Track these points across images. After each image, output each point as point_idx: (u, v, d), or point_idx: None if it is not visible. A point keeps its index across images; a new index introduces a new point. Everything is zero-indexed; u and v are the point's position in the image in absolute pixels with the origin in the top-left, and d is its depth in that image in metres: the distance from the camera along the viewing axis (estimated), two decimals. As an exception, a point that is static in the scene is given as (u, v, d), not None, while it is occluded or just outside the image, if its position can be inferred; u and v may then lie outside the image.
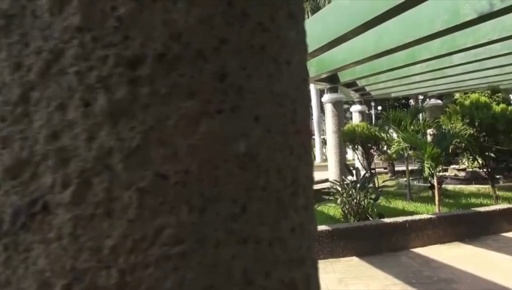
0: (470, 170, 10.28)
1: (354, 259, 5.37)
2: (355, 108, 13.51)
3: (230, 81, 0.37)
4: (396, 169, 13.72)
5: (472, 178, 10.05)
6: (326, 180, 10.23)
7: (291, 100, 0.43)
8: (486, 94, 10.56)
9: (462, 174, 10.60)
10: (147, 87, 0.33)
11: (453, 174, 10.86)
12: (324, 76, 9.65)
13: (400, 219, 5.84)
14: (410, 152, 7.73)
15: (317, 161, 23.50)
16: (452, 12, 5.48)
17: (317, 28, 6.42)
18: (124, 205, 0.32)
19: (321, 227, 5.58)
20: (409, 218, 5.87)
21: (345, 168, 9.30)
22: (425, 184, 9.27)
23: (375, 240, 5.60)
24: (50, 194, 0.33)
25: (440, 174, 9.93)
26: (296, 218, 0.43)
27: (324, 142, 19.09)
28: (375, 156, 11.31)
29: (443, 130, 7.80)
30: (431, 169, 6.57)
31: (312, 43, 6.54)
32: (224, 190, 0.36)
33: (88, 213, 0.32)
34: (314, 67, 9.13)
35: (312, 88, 23.60)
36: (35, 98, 0.34)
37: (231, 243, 0.36)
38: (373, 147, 9.71)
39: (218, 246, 0.35)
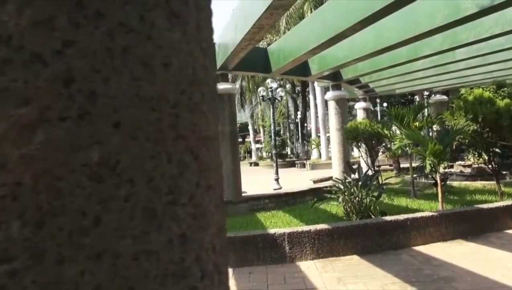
0: (476, 166, 10.15)
1: (355, 258, 5.33)
2: (360, 106, 13.40)
3: (78, 86, 0.34)
4: (402, 166, 13.63)
5: (478, 174, 9.93)
6: (331, 178, 10.16)
7: (171, 105, 0.41)
8: (491, 90, 10.40)
9: (467, 170, 10.47)
10: (-33, 94, 0.31)
11: (458, 170, 10.74)
12: (326, 73, 9.60)
13: (401, 217, 5.78)
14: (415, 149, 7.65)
15: (323, 158, 23.42)
16: (453, 6, 5.40)
17: (316, 25, 6.39)
18: None
19: (321, 226, 5.55)
20: (410, 215, 5.81)
21: (347, 165, 9.25)
22: (430, 181, 9.18)
23: (376, 238, 5.55)
24: None
25: (445, 170, 9.83)
26: (175, 228, 0.40)
27: (329, 140, 18.98)
28: (380, 153, 11.24)
29: (446, 126, 7.71)
30: (433, 166, 6.49)
31: (311, 40, 6.51)
32: (69, 203, 0.34)
33: None
34: (315, 64, 9.10)
35: (317, 86, 23.53)
36: None
37: (79, 259, 0.34)
38: (377, 144, 9.63)
39: (61, 262, 0.33)
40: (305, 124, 33.87)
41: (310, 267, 5.06)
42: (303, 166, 23.99)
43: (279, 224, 6.59)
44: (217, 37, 8.20)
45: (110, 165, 0.36)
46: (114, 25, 0.37)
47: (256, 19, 5.30)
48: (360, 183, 6.81)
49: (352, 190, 6.62)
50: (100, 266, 0.35)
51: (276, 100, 14.61)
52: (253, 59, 8.54)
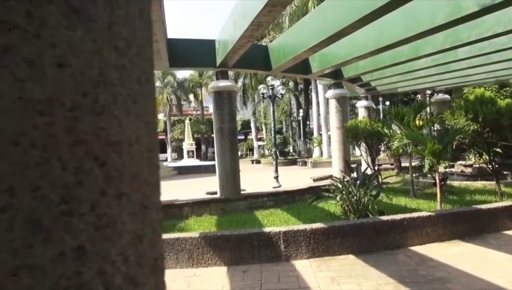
0: (477, 166, 10.08)
1: (350, 257, 5.30)
2: (361, 104, 13.34)
3: None
4: (403, 165, 13.58)
5: (479, 174, 9.87)
6: (331, 176, 10.12)
7: (67, 108, 0.38)
8: (494, 89, 10.30)
9: (468, 170, 10.41)
10: None
11: (459, 170, 10.67)
12: (327, 71, 9.55)
13: (398, 216, 5.74)
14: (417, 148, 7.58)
15: (325, 156, 23.36)
16: (454, 5, 5.35)
17: (316, 23, 6.34)
18: None
19: (317, 225, 5.52)
20: (407, 215, 5.77)
21: (345, 164, 9.21)
22: (431, 180, 9.13)
23: (372, 238, 5.52)
24: None
25: (445, 170, 9.78)
26: (70, 240, 0.38)
27: (331, 139, 18.91)
28: (381, 152, 11.18)
29: (446, 126, 7.66)
30: (432, 165, 6.44)
31: (311, 38, 6.47)
32: None
33: None
34: (316, 62, 9.06)
35: (319, 83, 23.44)
36: None
37: None
38: (377, 143, 9.56)
39: None
40: (308, 122, 33.77)
41: (305, 266, 5.04)
42: (305, 164, 23.95)
43: (276, 222, 6.57)
44: (216, 35, 8.16)
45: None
46: (-8, 22, 0.34)
47: (254, 16, 5.27)
48: (358, 182, 6.78)
49: (350, 189, 6.59)
50: (-32, 283, 0.32)
51: (277, 98, 14.55)
52: (253, 56, 8.51)
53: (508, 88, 10.76)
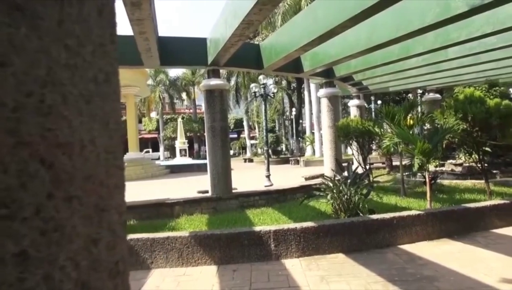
0: (467, 164, 10.17)
1: (340, 256, 5.31)
2: (353, 103, 13.38)
3: None
4: (394, 163, 13.64)
5: (469, 173, 9.96)
6: (323, 175, 10.13)
7: (9, 109, 0.37)
8: (483, 89, 10.38)
9: (459, 169, 10.49)
10: None
11: (450, 169, 10.75)
12: (318, 70, 9.55)
13: (387, 215, 5.77)
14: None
15: (317, 155, 23.41)
16: (444, 5, 5.38)
17: (307, 22, 6.34)
18: None
19: (307, 224, 5.53)
20: (397, 214, 5.80)
21: (336, 163, 9.24)
22: (422, 179, 9.19)
23: (362, 237, 5.54)
24: None
25: (435, 169, 9.85)
26: (10, 246, 0.36)
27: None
28: (372, 151, 11.22)
29: (436, 125, 7.70)
30: (421, 164, 6.48)
31: (303, 37, 6.47)
32: None
33: None
34: (308, 61, 9.07)
35: (312, 82, 23.48)
36: None
37: None
38: (368, 141, 9.60)
39: None
40: (300, 121, 33.82)
41: (294, 265, 5.04)
42: (297, 162, 23.98)
43: (267, 221, 6.56)
44: (208, 33, 8.14)
45: None
46: None
47: (245, 14, 5.25)
48: (349, 181, 6.80)
49: (341, 188, 6.61)
50: None
51: (269, 97, 14.54)
52: (245, 55, 8.49)
53: (497, 88, 10.85)
